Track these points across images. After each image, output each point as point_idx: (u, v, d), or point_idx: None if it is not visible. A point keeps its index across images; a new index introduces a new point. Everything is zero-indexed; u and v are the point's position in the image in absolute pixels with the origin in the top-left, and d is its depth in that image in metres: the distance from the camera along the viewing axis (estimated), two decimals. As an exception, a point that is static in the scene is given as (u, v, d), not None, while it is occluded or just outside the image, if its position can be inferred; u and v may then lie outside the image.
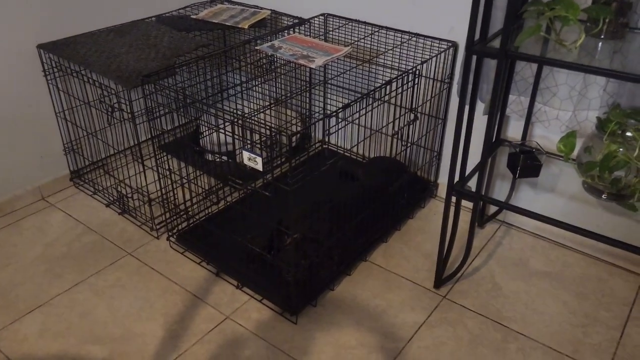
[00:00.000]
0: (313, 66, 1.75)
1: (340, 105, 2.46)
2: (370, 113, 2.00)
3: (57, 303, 1.75)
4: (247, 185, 1.62)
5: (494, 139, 1.85)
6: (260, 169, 1.44)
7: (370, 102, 1.65)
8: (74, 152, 2.29)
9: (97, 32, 2.14)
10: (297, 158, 2.47)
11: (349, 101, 1.51)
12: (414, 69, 1.82)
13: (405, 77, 1.79)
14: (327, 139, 2.57)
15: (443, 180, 2.27)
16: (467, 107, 1.52)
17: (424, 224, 2.14)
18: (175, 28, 2.19)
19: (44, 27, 2.04)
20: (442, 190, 2.28)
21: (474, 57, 1.45)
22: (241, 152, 1.46)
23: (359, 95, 1.54)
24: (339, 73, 2.34)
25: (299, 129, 2.50)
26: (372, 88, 2.21)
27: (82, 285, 1.82)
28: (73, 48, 1.98)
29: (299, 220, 1.77)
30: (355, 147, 2.46)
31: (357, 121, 1.88)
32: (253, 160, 1.44)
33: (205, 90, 2.13)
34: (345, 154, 2.49)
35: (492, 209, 2.15)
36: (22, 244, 2.00)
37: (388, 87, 1.70)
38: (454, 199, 1.64)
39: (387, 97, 1.73)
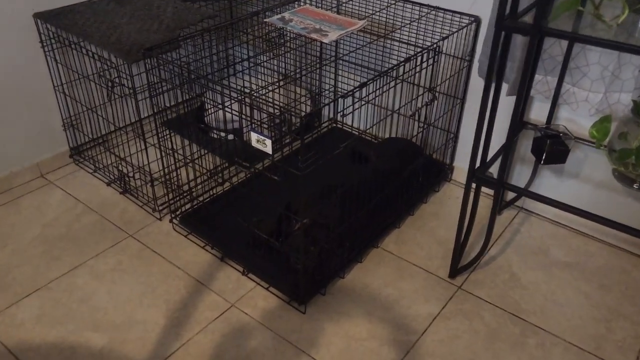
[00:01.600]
0: (326, 41, 1.64)
1: (352, 82, 2.37)
2: (385, 92, 1.89)
3: (56, 287, 1.68)
4: (255, 167, 1.53)
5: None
6: (270, 152, 1.34)
7: (388, 82, 1.54)
8: (74, 127, 2.19)
9: (97, 1, 2.02)
10: (306, 137, 2.37)
11: (364, 79, 1.40)
12: (434, 46, 1.70)
13: (425, 54, 1.67)
14: (338, 118, 2.46)
15: (459, 163, 2.16)
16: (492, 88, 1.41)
17: (438, 208, 2.04)
18: (179, -2, 2.07)
19: (41, -5, 1.92)
20: (457, 174, 2.18)
21: (503, 34, 1.33)
22: (249, 133, 1.36)
23: (374, 73, 1.42)
24: (352, 49, 2.22)
25: (308, 107, 2.39)
26: (387, 65, 2.12)
27: (81, 268, 1.75)
28: (71, 18, 1.86)
29: (309, 204, 1.68)
30: (368, 127, 2.35)
31: (372, 101, 1.77)
32: (262, 143, 1.34)
33: (210, 65, 2.02)
34: (356, 133, 2.38)
35: (511, 194, 2.05)
36: (20, 224, 1.92)
37: (406, 65, 1.58)
38: (473, 184, 1.54)
39: (405, 76, 1.62)
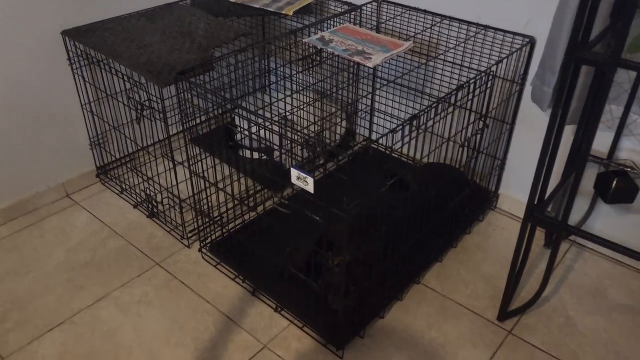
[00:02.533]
0: (370, 65, 1.52)
1: (390, 101, 2.24)
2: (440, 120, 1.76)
3: (79, 320, 1.59)
4: (294, 207, 1.41)
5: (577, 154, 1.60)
6: (311, 191, 1.23)
7: (445, 108, 1.42)
8: (100, 146, 2.11)
9: (127, 17, 1.94)
10: (341, 159, 2.25)
11: (401, 97, 1.27)
12: (488, 70, 1.57)
13: (479, 79, 1.54)
14: (372, 138, 2.34)
15: (505, 190, 2.02)
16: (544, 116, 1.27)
17: (482, 240, 1.91)
18: (211, 13, 1.97)
19: (70, 11, 1.84)
20: (503, 202, 2.04)
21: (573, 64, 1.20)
22: (290, 169, 1.25)
23: (414, 93, 1.30)
24: (399, 73, 2.10)
25: (343, 125, 2.28)
26: (429, 86, 1.98)
27: (106, 299, 1.66)
28: (100, 35, 1.78)
29: (346, 237, 1.56)
30: (407, 149, 2.23)
31: (426, 129, 1.64)
32: (303, 180, 1.23)
33: (243, 83, 1.92)
34: (394, 155, 2.26)
35: (562, 226, 1.90)
36: (43, 248, 1.85)
37: (461, 91, 1.46)
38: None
39: (459, 103, 1.49)
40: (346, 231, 1.31)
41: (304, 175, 1.23)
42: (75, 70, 1.92)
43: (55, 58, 1.87)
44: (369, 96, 2.25)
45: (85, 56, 1.85)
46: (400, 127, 1.27)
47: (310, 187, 1.24)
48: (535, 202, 1.39)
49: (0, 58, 1.74)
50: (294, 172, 1.25)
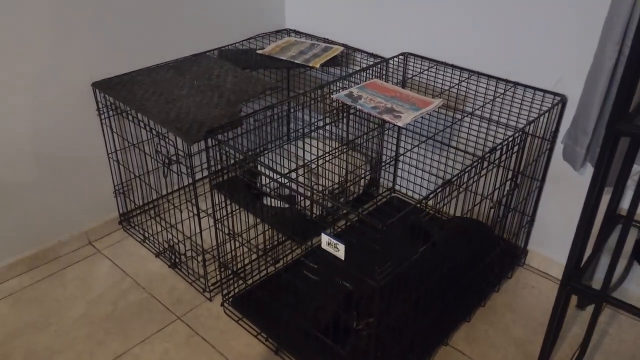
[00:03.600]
0: (400, 124, 1.51)
1: (410, 147, 2.22)
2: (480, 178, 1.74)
3: (99, 379, 1.56)
4: (323, 273, 1.38)
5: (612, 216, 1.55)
6: (342, 257, 1.20)
7: (485, 166, 1.40)
8: (124, 194, 2.11)
9: (156, 68, 1.96)
10: (365, 208, 2.23)
11: (425, 148, 1.24)
12: (523, 129, 1.55)
13: (514, 139, 1.51)
14: (395, 187, 2.32)
15: (534, 247, 1.97)
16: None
17: (511, 299, 1.85)
18: (239, 65, 1.99)
19: (100, 62, 1.87)
20: (531, 258, 1.99)
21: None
22: (320, 235, 1.22)
23: (440, 145, 1.27)
24: (425, 126, 2.08)
25: (367, 174, 2.26)
26: (455, 140, 1.95)
27: (126, 357, 1.63)
28: (129, 88, 1.79)
29: (377, 302, 1.52)
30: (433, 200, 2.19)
31: (466, 188, 1.62)
32: (334, 247, 1.20)
33: (271, 133, 1.91)
34: (417, 204, 2.22)
35: (595, 286, 1.84)
36: (65, 299, 1.83)
37: (498, 150, 1.43)
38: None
39: (497, 162, 1.47)
40: (377, 295, 1.27)
41: (335, 241, 1.20)
42: (103, 121, 1.93)
43: (84, 109, 1.88)
44: (394, 147, 2.23)
45: (114, 107, 1.87)
46: (442, 187, 1.25)
47: (341, 253, 1.21)
48: (573, 269, 1.35)
49: (30, 108, 1.76)
50: (325, 238, 1.23)
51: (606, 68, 1.43)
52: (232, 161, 1.47)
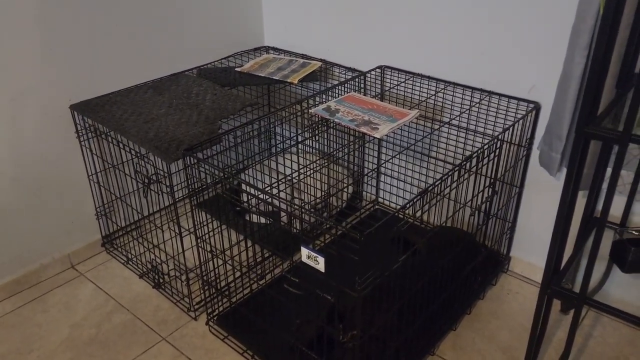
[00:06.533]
0: (377, 135, 1.52)
1: (392, 163, 2.24)
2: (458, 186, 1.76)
3: (83, 404, 1.54)
4: (307, 287, 1.38)
5: (589, 220, 1.58)
6: (322, 270, 1.20)
7: (462, 175, 1.42)
8: (106, 216, 2.10)
9: (134, 89, 1.97)
10: (347, 222, 2.23)
11: (406, 159, 1.25)
12: (498, 137, 1.57)
13: (489, 146, 1.54)
14: (379, 198, 2.33)
15: (516, 252, 1.99)
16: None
17: (496, 306, 1.86)
18: (218, 82, 2.00)
19: (78, 84, 1.87)
20: (514, 264, 2.00)
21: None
22: (300, 248, 1.23)
23: (420, 156, 1.29)
24: (404, 137, 2.11)
25: (350, 187, 2.27)
26: (435, 149, 1.97)
27: (110, 380, 1.61)
28: (108, 109, 1.80)
29: (358, 312, 1.52)
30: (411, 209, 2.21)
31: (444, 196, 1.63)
32: (313, 259, 1.21)
33: (249, 150, 1.92)
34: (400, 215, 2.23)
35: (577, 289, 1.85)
36: (47, 324, 1.80)
37: (474, 157, 1.45)
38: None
39: (474, 169, 1.49)
40: (358, 306, 1.27)
41: (315, 254, 1.21)
42: (82, 143, 1.93)
43: (63, 131, 1.88)
44: (375, 160, 2.25)
45: (93, 129, 1.87)
46: (419, 196, 1.26)
47: (321, 266, 1.21)
48: (552, 273, 1.36)
49: (8, 131, 1.76)
50: (305, 251, 1.23)
51: (576, 74, 1.46)
52: (211, 179, 1.48)
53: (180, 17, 2.10)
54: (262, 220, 2.16)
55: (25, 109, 1.77)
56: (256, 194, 1.39)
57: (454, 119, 1.90)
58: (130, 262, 2.06)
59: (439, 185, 1.33)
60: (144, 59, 2.04)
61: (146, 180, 1.66)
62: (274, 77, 2.04)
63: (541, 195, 1.83)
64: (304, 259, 1.23)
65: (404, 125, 2.04)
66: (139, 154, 1.67)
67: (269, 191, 1.35)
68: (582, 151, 1.20)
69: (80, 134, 1.90)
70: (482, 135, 1.88)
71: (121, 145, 1.73)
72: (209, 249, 1.69)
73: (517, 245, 1.98)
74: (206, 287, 1.80)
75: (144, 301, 1.90)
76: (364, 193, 2.37)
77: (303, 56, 2.27)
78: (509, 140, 1.75)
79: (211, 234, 1.67)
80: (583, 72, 1.46)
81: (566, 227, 1.32)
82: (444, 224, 2.01)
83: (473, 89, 1.83)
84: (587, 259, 1.76)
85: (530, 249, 1.94)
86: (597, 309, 1.72)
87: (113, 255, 2.12)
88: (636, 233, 1.44)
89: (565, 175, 1.22)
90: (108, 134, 1.82)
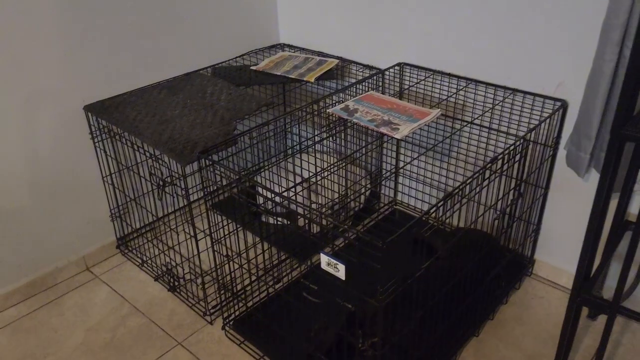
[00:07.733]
0: (398, 136, 1.47)
1: (410, 160, 2.18)
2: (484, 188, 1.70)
3: (98, 411, 1.51)
4: (324, 295, 1.33)
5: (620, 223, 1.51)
6: (342, 277, 1.16)
7: (488, 177, 1.36)
8: (121, 218, 2.07)
9: (148, 89, 1.93)
10: (365, 223, 2.18)
11: (425, 158, 1.20)
12: (525, 137, 1.51)
13: (516, 147, 1.48)
14: (397, 199, 2.27)
15: (541, 256, 1.93)
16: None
17: (521, 311, 1.80)
18: (233, 82, 1.96)
19: (91, 86, 1.84)
20: (539, 268, 1.94)
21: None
22: (319, 254, 1.18)
23: (438, 155, 1.23)
24: (424, 137, 2.05)
25: (368, 188, 2.22)
26: (455, 149, 1.90)
27: (126, 386, 1.58)
28: (122, 110, 1.77)
29: (380, 320, 1.47)
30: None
31: (469, 199, 1.58)
32: (333, 267, 1.16)
33: (267, 150, 1.88)
34: (418, 216, 2.18)
35: (606, 294, 1.79)
36: (63, 328, 1.78)
37: (501, 159, 1.39)
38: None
39: (499, 171, 1.43)
40: (380, 315, 1.22)
41: (335, 261, 1.16)
42: (97, 144, 1.90)
43: (77, 133, 1.86)
44: (393, 160, 2.19)
45: (107, 130, 1.84)
46: (444, 199, 1.21)
47: (341, 274, 1.16)
48: (582, 280, 1.30)
49: (22, 133, 1.74)
50: (324, 258, 1.19)
51: (606, 71, 1.40)
52: (227, 181, 1.44)
53: (193, 14, 2.06)
54: (278, 221, 2.12)
55: (39, 110, 1.75)
56: (272, 197, 1.35)
57: (477, 118, 1.84)
58: (145, 265, 2.04)
59: (464, 189, 1.28)
60: (157, 58, 2.00)
61: (161, 183, 1.62)
62: (290, 76, 1.99)
63: (568, 197, 1.77)
64: (324, 266, 1.19)
65: (425, 124, 1.99)
66: (153, 156, 1.64)
67: (286, 194, 1.31)
68: (617, 153, 1.14)
69: (95, 135, 1.88)
70: (505, 135, 1.82)
71: (135, 147, 1.70)
72: (224, 251, 1.66)
73: (541, 248, 1.92)
74: (222, 291, 1.76)
75: (159, 305, 1.87)
76: (382, 193, 2.31)
77: (319, 54, 2.22)
78: (534, 140, 1.68)
79: (227, 236, 1.64)
80: (614, 68, 1.39)
81: (598, 232, 1.26)
82: (469, 227, 1.95)
83: (496, 86, 1.77)
84: (616, 263, 1.69)
85: (555, 251, 1.88)
86: (628, 317, 1.66)
87: (128, 258, 2.09)
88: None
89: (597, 176, 1.16)
90: (122, 135, 1.79)
